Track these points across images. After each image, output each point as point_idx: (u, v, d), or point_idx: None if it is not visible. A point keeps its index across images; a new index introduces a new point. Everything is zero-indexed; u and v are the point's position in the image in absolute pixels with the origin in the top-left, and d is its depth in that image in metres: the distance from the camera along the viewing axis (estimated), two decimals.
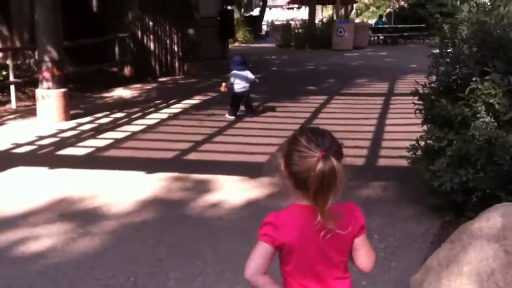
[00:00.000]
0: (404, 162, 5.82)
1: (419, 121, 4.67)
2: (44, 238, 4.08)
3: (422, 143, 4.56)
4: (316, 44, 22.66)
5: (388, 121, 8.16)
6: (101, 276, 3.51)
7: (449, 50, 4.31)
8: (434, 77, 4.60)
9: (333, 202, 1.80)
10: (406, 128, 7.46)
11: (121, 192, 5.13)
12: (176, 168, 5.87)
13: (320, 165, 1.75)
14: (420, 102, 4.60)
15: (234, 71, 8.48)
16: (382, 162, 6.06)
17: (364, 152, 6.46)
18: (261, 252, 1.85)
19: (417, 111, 4.68)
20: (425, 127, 4.54)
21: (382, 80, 12.96)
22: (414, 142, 4.62)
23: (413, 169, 4.99)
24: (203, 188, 5.24)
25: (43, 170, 5.93)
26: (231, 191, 5.12)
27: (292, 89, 11.75)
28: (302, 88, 11.87)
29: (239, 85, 8.42)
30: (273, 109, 9.28)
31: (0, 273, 3.54)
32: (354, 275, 1.98)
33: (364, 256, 1.93)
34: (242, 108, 8.68)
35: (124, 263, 3.67)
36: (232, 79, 8.46)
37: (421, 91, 4.58)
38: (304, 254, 1.86)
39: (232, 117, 8.48)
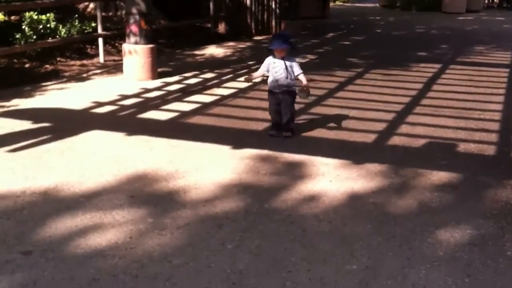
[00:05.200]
0: None
1: None
2: (106, 228, 3.39)
3: None
4: (424, 6, 21.06)
5: None
6: None
7: None
8: None
9: None
10: None
11: (202, 171, 4.38)
12: (267, 144, 5.04)
13: None
14: None
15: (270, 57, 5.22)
16: None
17: (493, 137, 5.31)
18: None
19: None
20: None
21: (504, 49, 11.44)
22: None
23: None
24: (298, 173, 4.38)
25: (120, 136, 5.30)
26: (331, 180, 4.22)
27: (400, 55, 10.55)
28: (411, 54, 10.60)
29: (273, 80, 5.21)
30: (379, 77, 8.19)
31: (45, 276, 2.87)
32: None
33: None
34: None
35: (195, 275, 2.90)
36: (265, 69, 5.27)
37: None
38: None
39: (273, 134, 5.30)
